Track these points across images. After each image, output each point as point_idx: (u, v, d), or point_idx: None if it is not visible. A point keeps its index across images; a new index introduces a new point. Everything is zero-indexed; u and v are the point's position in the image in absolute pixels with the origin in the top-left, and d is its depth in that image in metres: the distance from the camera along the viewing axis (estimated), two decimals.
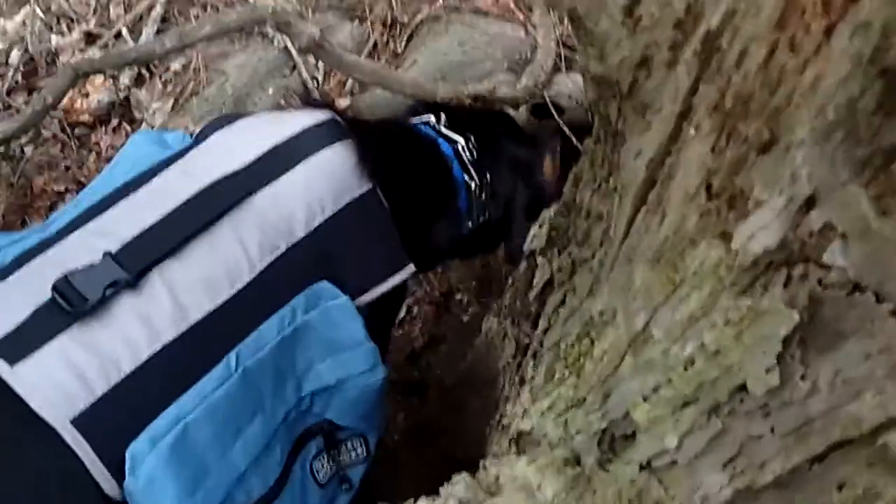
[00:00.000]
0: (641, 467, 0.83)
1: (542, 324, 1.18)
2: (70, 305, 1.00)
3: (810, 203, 0.53)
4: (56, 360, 0.97)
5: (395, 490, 1.84)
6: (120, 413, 0.98)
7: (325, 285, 1.17)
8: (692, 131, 0.64)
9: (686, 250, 0.69)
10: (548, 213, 1.13)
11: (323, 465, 1.21)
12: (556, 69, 2.00)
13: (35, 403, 0.94)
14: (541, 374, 1.15)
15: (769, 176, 0.56)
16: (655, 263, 0.74)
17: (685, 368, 0.70)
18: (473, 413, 1.65)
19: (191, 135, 1.35)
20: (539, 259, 1.15)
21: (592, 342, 0.94)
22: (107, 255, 1.05)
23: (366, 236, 1.26)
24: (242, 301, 1.10)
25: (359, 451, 1.26)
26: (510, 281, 1.38)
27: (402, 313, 2.04)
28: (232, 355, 1.06)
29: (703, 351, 0.66)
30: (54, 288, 1.01)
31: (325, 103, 1.42)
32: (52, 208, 2.10)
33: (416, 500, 1.02)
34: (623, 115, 0.77)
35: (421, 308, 2.16)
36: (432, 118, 1.58)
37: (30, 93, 2.18)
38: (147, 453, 0.97)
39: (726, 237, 0.62)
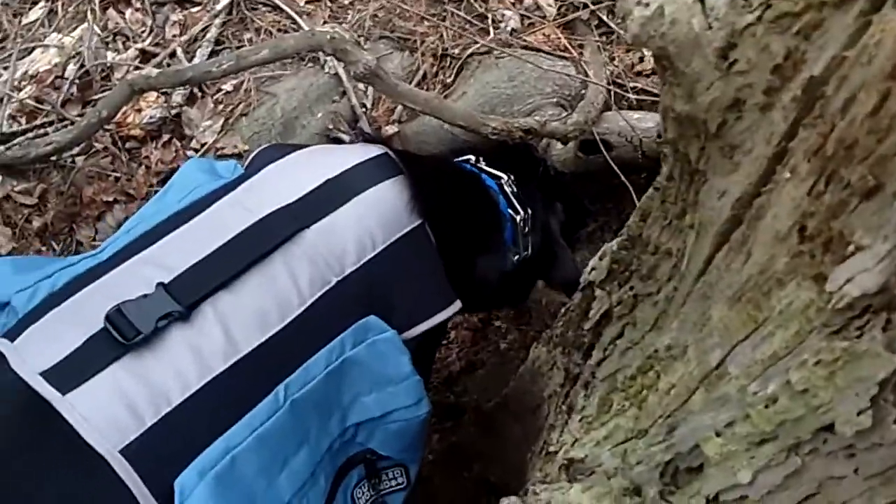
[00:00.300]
0: (708, 501, 0.84)
1: (596, 355, 1.19)
2: (122, 336, 1.01)
3: None
4: (107, 390, 0.98)
5: None
6: (169, 444, 0.99)
7: (373, 320, 1.18)
8: (787, 174, 0.66)
9: (772, 290, 0.70)
10: (610, 247, 1.14)
11: (363, 493, 1.22)
12: (605, 106, 2.02)
13: (85, 432, 0.95)
14: (593, 403, 1.16)
15: (872, 221, 0.57)
16: (736, 301, 0.76)
17: (766, 406, 0.71)
18: (513, 439, 1.66)
19: (240, 163, 1.36)
20: (598, 291, 1.16)
21: (658, 375, 0.95)
22: (159, 286, 1.07)
23: (414, 272, 1.28)
24: (292, 334, 1.11)
25: (399, 479, 1.27)
26: (563, 311, 1.39)
27: None
28: (280, 388, 1.07)
29: (789, 389, 0.67)
30: (107, 318, 1.03)
31: (379, 138, 1.45)
32: (99, 218, 2.13)
33: None
34: (707, 154, 0.78)
35: (458, 333, 2.18)
36: (472, 157, 1.63)
37: (84, 105, 2.22)
38: (195, 485, 0.98)
39: (819, 279, 0.63)
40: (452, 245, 1.36)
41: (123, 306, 1.03)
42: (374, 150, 1.36)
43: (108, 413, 0.97)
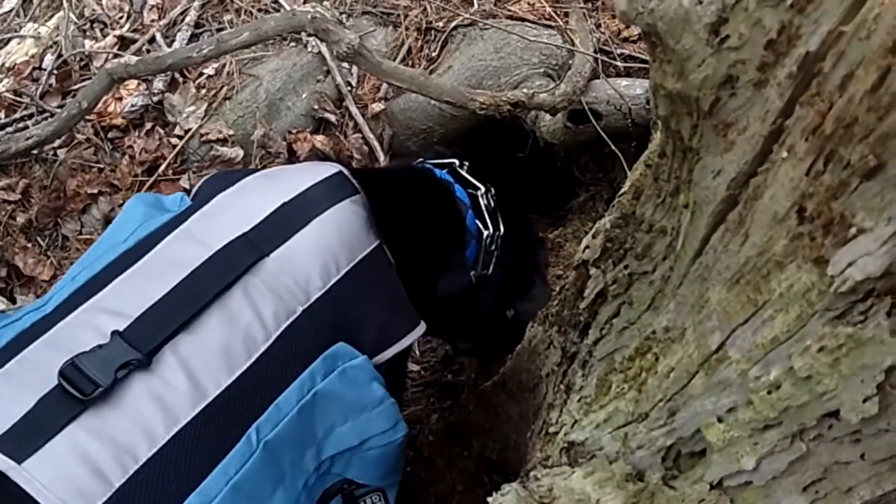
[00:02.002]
0: (711, 486, 0.83)
1: (592, 334, 1.17)
2: (80, 392, 0.94)
3: None
4: (67, 452, 0.91)
5: (427, 489, 1.85)
6: None
7: (342, 347, 1.13)
8: (784, 153, 0.63)
9: (771, 273, 0.68)
10: (603, 224, 1.12)
11: None
12: (593, 75, 1.99)
13: (47, 502, 0.88)
14: (591, 384, 1.15)
15: (874, 203, 0.55)
16: (734, 284, 0.74)
17: (769, 392, 0.69)
18: (511, 417, 1.65)
19: (188, 195, 1.30)
20: (592, 270, 1.14)
21: (657, 358, 0.93)
22: (115, 334, 1.00)
23: (380, 293, 1.24)
24: (260, 371, 1.06)
25: None
26: (558, 290, 1.37)
27: None
28: (252, 431, 1.01)
29: (792, 375, 0.66)
30: (61, 374, 0.95)
31: (332, 157, 1.39)
32: (84, 211, 2.11)
33: None
34: (700, 132, 0.76)
35: None
36: (456, 162, 1.55)
37: (63, 96, 2.19)
38: None
39: (820, 261, 0.61)
40: (411, 264, 1.32)
41: (78, 360, 0.96)
42: (328, 169, 1.30)
43: (71, 479, 0.90)
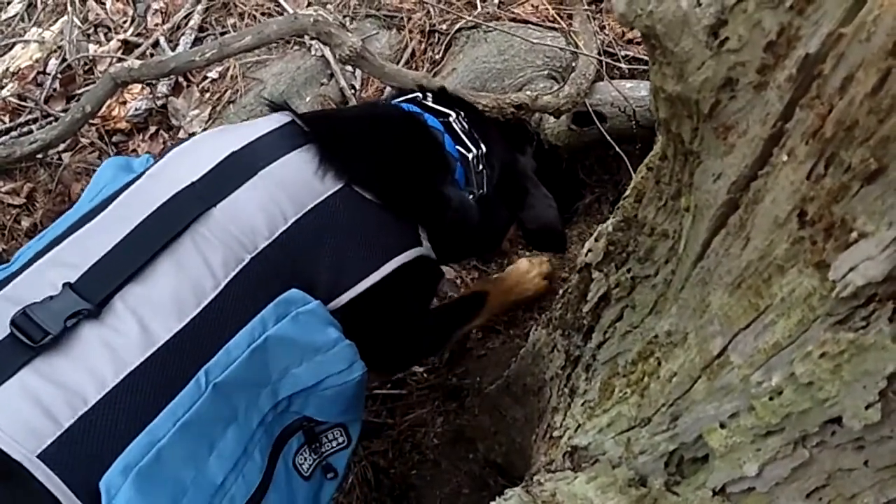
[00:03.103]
0: (714, 492, 0.82)
1: (596, 337, 1.17)
2: (31, 340, 0.99)
3: None
4: (19, 395, 0.96)
5: (433, 492, 1.85)
6: (89, 444, 0.97)
7: (294, 293, 1.16)
8: (784, 157, 0.63)
9: (773, 277, 0.67)
10: (605, 228, 1.11)
11: (305, 459, 1.21)
12: (597, 77, 1.98)
13: None
14: (595, 387, 1.14)
15: (875, 207, 0.54)
16: (736, 288, 0.73)
17: (771, 398, 0.68)
18: (516, 420, 1.65)
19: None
20: (595, 273, 1.14)
21: (659, 362, 0.92)
22: (66, 285, 1.04)
23: (335, 240, 1.25)
24: (209, 317, 1.09)
25: (340, 439, 1.26)
26: (561, 293, 1.36)
27: None
28: (201, 373, 1.05)
29: (794, 381, 0.65)
30: (12, 322, 1.00)
31: (286, 105, 1.39)
32: None
33: None
34: (700, 135, 0.75)
35: None
36: (419, 95, 1.57)
37: (68, 101, 2.19)
38: (122, 483, 0.96)
39: (821, 266, 0.60)
40: (399, 195, 1.33)
41: (29, 309, 1.01)
42: (279, 120, 1.32)
43: (22, 419, 0.94)
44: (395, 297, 1.35)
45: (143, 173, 1.24)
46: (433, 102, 1.55)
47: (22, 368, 0.98)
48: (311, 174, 1.25)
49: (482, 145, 1.51)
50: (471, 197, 1.48)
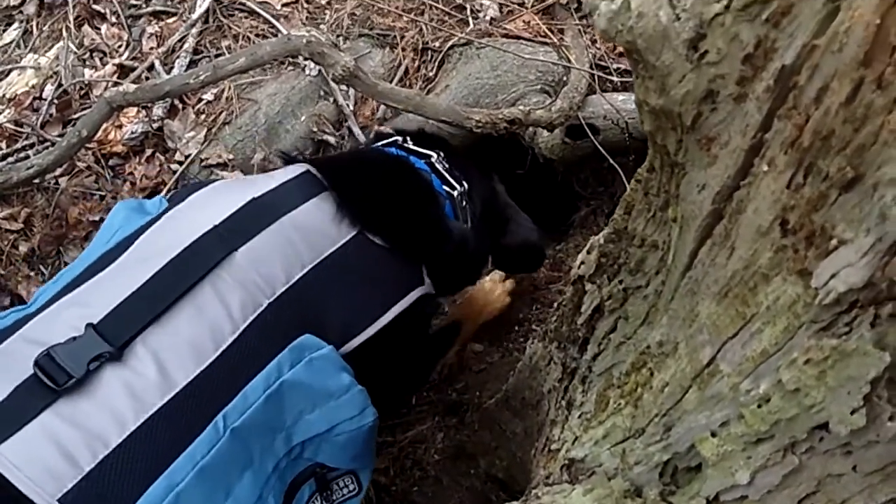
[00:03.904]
0: (709, 501, 0.82)
1: (591, 349, 1.17)
2: (53, 382, 0.99)
3: None
4: (40, 438, 0.96)
5: None
6: (109, 488, 0.97)
7: (308, 338, 1.17)
8: (764, 167, 0.63)
9: (758, 285, 0.68)
10: (597, 240, 1.12)
11: None
12: (590, 90, 1.99)
13: (20, 483, 0.93)
14: (591, 399, 1.15)
15: (854, 214, 0.55)
16: (723, 297, 0.74)
17: (759, 405, 0.69)
18: (516, 434, 1.65)
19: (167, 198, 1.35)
20: (588, 285, 1.14)
21: (651, 373, 0.93)
22: (89, 327, 1.05)
23: (347, 286, 1.27)
24: (228, 362, 1.10)
25: (350, 487, 1.26)
26: (556, 305, 1.37)
27: None
28: (219, 418, 1.05)
29: (780, 388, 0.65)
30: (36, 364, 1.00)
31: (300, 158, 1.43)
32: (86, 238, 2.11)
33: None
34: (684, 146, 0.76)
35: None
36: (399, 139, 1.61)
37: (64, 125, 2.20)
38: None
39: (804, 274, 0.61)
40: (405, 237, 1.36)
41: (53, 350, 1.01)
42: (297, 169, 1.35)
43: (43, 462, 0.95)
44: (399, 336, 1.37)
45: (160, 215, 1.25)
46: (414, 144, 1.59)
47: (44, 411, 0.98)
48: (328, 221, 1.28)
49: (464, 182, 1.55)
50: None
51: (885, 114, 0.50)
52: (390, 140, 1.61)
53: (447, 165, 1.55)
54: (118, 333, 1.05)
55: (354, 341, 1.25)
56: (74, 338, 1.04)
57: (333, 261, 1.25)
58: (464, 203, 1.53)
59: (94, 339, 1.03)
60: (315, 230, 1.26)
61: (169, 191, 2.09)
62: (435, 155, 1.56)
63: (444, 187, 1.51)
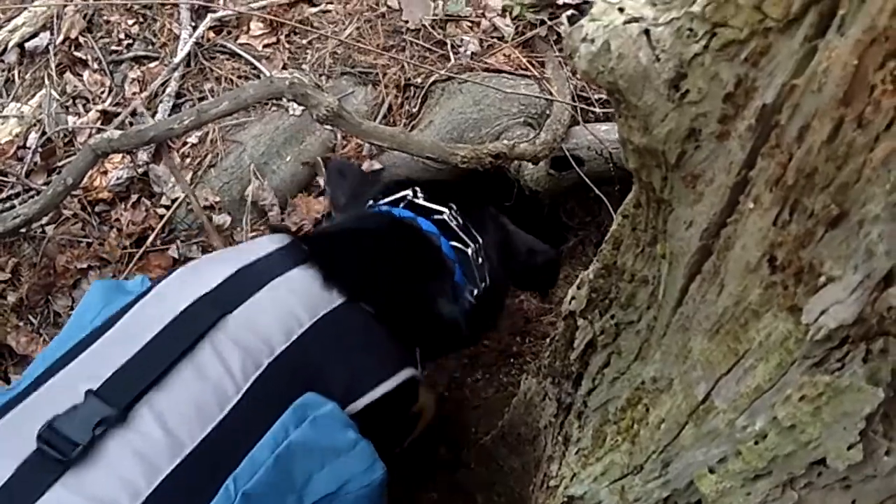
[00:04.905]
0: None
1: (585, 384, 1.17)
2: (59, 453, 0.96)
3: (889, 278, 0.52)
4: None
5: None
6: None
7: (311, 396, 1.15)
8: (750, 204, 0.64)
9: (749, 322, 0.68)
10: (587, 275, 1.12)
11: None
12: (572, 122, 2.00)
13: None
14: (588, 435, 1.14)
15: (841, 251, 0.55)
16: (715, 334, 0.74)
17: (756, 442, 0.69)
18: (513, 471, 1.64)
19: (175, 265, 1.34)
20: (580, 320, 1.14)
21: (647, 409, 0.93)
22: (89, 392, 1.03)
23: (347, 347, 1.26)
24: (233, 423, 1.08)
25: None
26: (548, 341, 1.37)
27: None
28: (230, 481, 1.03)
29: (776, 425, 0.65)
30: (40, 437, 0.97)
31: (285, 228, 1.43)
32: (74, 286, 2.10)
33: None
34: (670, 184, 0.76)
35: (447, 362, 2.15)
36: (409, 193, 1.57)
37: (49, 174, 2.20)
38: None
39: (794, 310, 0.61)
40: (396, 308, 1.34)
41: (55, 421, 0.99)
42: (281, 240, 1.35)
43: None
44: (395, 410, 1.36)
45: (146, 292, 1.23)
46: (426, 198, 1.56)
47: (53, 485, 0.95)
48: (318, 287, 1.27)
49: (478, 237, 1.52)
50: (475, 292, 1.50)
51: (866, 152, 0.51)
52: (399, 196, 1.58)
53: (460, 221, 1.52)
54: (120, 397, 1.03)
55: (360, 402, 1.22)
56: (76, 406, 1.01)
57: (331, 320, 1.23)
58: (479, 260, 1.51)
59: (97, 403, 1.01)
60: (308, 292, 1.25)
61: (157, 236, 2.08)
62: (447, 210, 1.52)
63: (457, 245, 1.49)
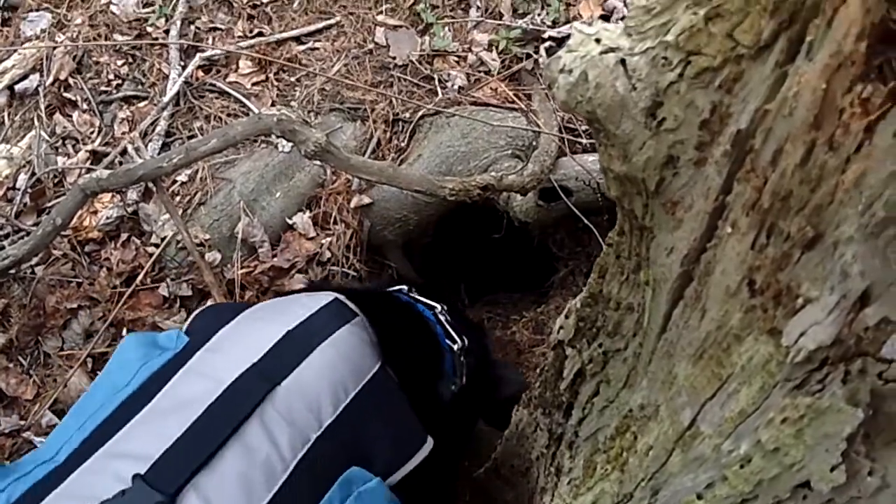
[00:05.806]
0: None
1: (575, 414, 1.17)
2: None
3: (865, 299, 0.52)
4: None
5: None
6: None
7: (355, 471, 1.15)
8: (728, 228, 0.64)
9: (731, 346, 0.68)
10: (574, 304, 1.13)
11: None
12: (560, 153, 2.02)
13: None
14: (579, 465, 1.14)
15: (817, 273, 0.55)
16: (698, 359, 0.74)
17: (741, 466, 0.69)
18: (507, 502, 1.63)
19: (184, 332, 1.31)
20: (568, 350, 1.14)
21: (635, 436, 0.93)
22: (136, 477, 1.01)
23: (386, 414, 1.25)
24: (282, 501, 1.06)
25: None
26: (538, 371, 1.37)
27: None
28: None
29: (761, 448, 0.65)
30: None
31: (327, 285, 1.44)
32: (65, 327, 2.09)
33: None
34: (651, 211, 0.77)
35: None
36: (405, 288, 1.63)
37: (38, 214, 2.20)
38: None
39: (774, 333, 0.62)
40: (410, 381, 1.35)
41: None
42: (325, 297, 1.34)
43: None
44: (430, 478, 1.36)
45: (188, 353, 1.22)
46: (419, 294, 1.60)
47: None
48: (364, 347, 1.27)
49: (464, 337, 1.55)
50: (453, 387, 1.52)
51: (838, 174, 0.52)
52: (396, 288, 1.62)
53: (450, 319, 1.55)
54: (169, 482, 1.00)
55: (399, 473, 1.22)
56: (123, 492, 0.99)
57: (372, 387, 1.23)
58: (462, 358, 1.53)
59: (145, 490, 0.99)
60: (354, 355, 1.24)
61: (147, 274, 2.08)
62: (439, 307, 1.57)
63: (447, 341, 1.51)
